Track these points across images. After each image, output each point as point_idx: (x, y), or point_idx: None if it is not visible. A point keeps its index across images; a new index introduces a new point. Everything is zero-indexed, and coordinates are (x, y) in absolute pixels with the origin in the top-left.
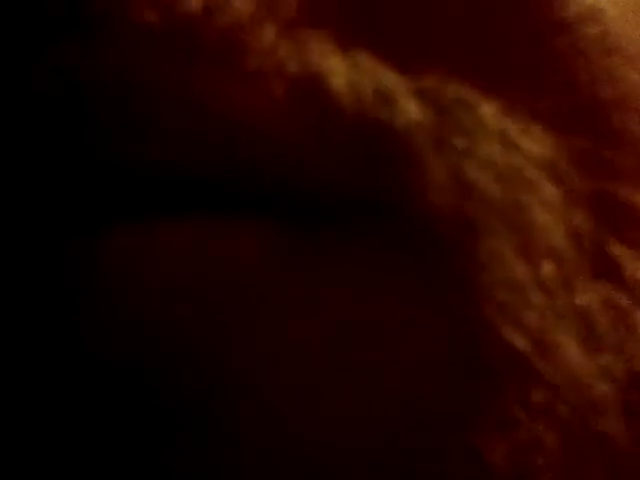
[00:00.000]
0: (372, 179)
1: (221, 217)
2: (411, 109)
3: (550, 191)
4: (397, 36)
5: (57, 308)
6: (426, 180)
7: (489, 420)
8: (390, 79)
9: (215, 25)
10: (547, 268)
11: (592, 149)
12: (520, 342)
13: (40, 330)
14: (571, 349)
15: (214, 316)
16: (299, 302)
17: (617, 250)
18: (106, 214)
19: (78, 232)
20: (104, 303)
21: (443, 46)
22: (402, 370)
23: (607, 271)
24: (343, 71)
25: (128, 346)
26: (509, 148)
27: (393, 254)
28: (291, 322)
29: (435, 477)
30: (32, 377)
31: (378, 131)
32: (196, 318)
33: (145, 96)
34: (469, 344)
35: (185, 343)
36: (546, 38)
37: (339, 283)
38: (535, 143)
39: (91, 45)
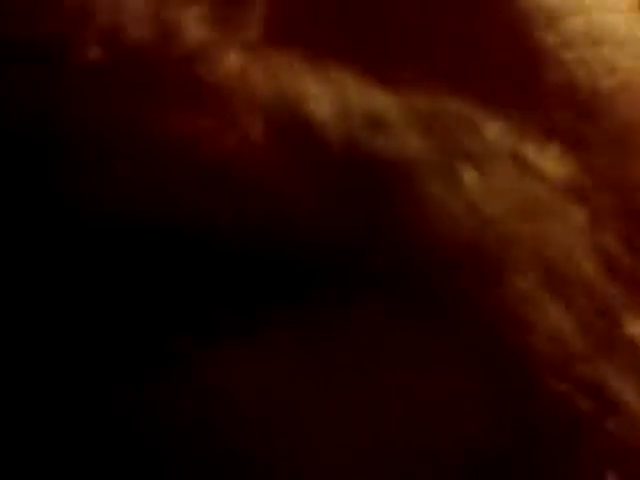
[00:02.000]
0: (369, 219)
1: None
2: (408, 134)
3: (575, 215)
4: (381, 50)
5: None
6: (433, 217)
7: None
8: (380, 100)
9: (169, 55)
10: (582, 302)
11: (610, 160)
12: (578, 398)
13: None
14: (629, 394)
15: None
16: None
17: None
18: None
19: (124, 376)
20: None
21: (432, 59)
22: (457, 439)
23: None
24: (324, 95)
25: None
26: (524, 171)
27: (407, 312)
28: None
29: None
30: None
31: (372, 163)
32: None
33: (96, 140)
34: (525, 408)
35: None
36: (535, 36)
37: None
38: (553, 163)
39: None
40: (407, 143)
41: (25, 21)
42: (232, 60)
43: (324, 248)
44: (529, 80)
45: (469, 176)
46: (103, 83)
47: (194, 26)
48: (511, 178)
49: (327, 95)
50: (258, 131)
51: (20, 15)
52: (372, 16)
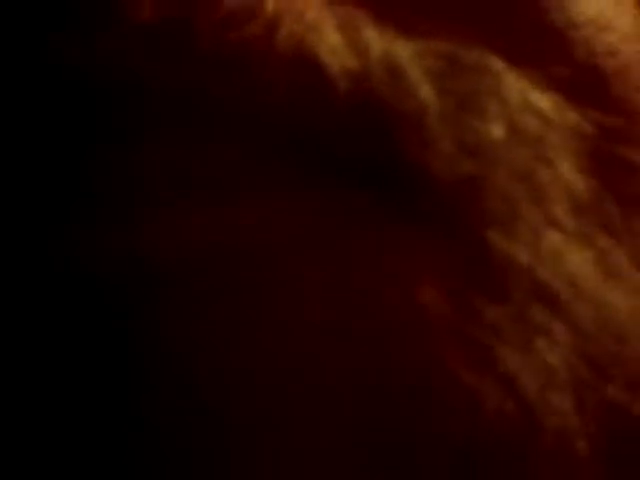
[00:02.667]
0: (374, 153)
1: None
2: (421, 82)
3: (572, 153)
4: (407, 4)
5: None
6: (435, 157)
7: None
8: (399, 48)
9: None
10: (559, 210)
11: (600, 116)
12: (523, 256)
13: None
14: (580, 266)
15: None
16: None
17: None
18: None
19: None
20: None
21: (455, 16)
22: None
23: (606, 223)
24: (345, 44)
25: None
26: (528, 109)
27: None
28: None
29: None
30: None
31: (385, 107)
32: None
33: (141, 90)
34: (479, 260)
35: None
36: (547, 13)
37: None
38: (554, 107)
39: (95, 36)
40: (419, 90)
41: None
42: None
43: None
44: (537, 46)
45: (480, 118)
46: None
47: None
48: (514, 112)
49: (348, 45)
50: (279, 76)
51: None
52: None
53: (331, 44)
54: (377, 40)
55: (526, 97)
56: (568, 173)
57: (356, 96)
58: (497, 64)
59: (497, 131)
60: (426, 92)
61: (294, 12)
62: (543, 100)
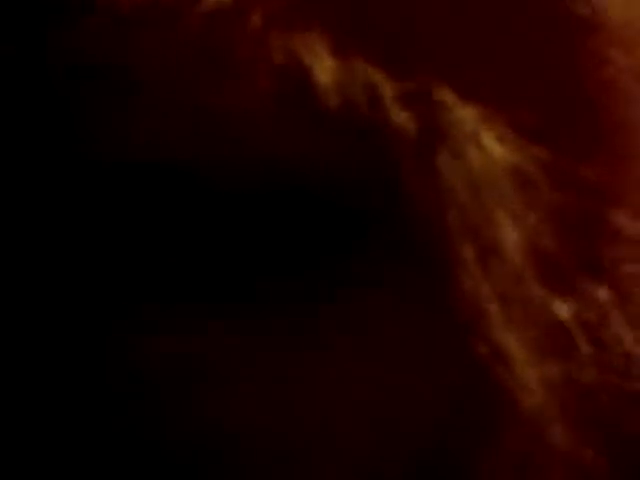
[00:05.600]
0: (357, 177)
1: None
2: (397, 113)
3: (515, 197)
4: (385, 38)
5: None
6: (409, 183)
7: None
8: (377, 80)
9: (199, 11)
10: (500, 273)
11: (570, 164)
12: (495, 363)
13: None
14: (520, 356)
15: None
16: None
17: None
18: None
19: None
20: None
21: (430, 50)
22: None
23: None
24: (331, 68)
25: None
26: (481, 152)
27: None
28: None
29: None
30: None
31: (364, 132)
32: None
33: (130, 79)
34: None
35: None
36: (520, 50)
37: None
38: (508, 151)
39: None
40: (395, 120)
41: None
42: (254, 22)
43: (316, 195)
44: (509, 84)
45: (437, 150)
46: (139, 29)
47: None
48: (470, 156)
49: (333, 68)
50: (269, 87)
51: None
52: (386, 10)
53: (320, 62)
54: (360, 68)
55: (482, 141)
56: (511, 230)
57: (344, 116)
58: (450, 98)
59: (456, 176)
60: (400, 120)
61: (281, 20)
62: (500, 145)
